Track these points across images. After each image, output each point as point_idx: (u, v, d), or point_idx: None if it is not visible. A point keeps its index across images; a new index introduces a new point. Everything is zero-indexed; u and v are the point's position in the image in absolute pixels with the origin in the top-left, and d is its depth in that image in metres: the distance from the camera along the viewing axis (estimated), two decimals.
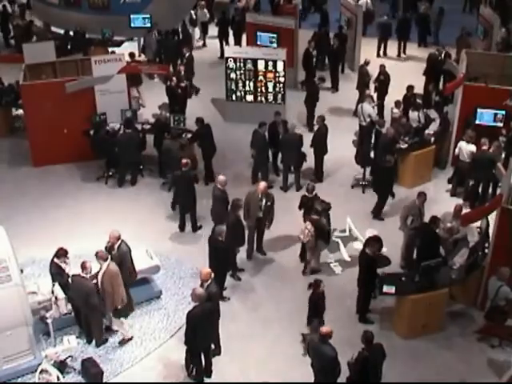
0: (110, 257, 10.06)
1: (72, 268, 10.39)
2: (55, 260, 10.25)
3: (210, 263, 10.86)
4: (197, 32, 23.40)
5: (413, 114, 15.47)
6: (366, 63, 18.05)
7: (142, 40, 20.93)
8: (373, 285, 10.69)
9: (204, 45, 23.48)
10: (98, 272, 10.00)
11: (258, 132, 14.45)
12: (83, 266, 9.92)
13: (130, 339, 10.42)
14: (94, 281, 9.99)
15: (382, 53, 22.50)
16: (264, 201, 12.06)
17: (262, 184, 12.27)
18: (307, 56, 19.35)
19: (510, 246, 10.40)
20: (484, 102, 14.36)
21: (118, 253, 10.44)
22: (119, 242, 10.53)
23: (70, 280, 10.11)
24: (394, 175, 14.19)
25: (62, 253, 10.27)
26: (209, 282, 9.71)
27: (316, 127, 15.18)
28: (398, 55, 22.58)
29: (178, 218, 13.22)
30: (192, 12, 22.95)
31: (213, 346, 9.94)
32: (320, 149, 14.71)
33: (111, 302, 10.01)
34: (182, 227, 13.22)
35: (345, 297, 11.45)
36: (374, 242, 10.90)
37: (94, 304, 9.90)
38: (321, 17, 23.98)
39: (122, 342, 10.38)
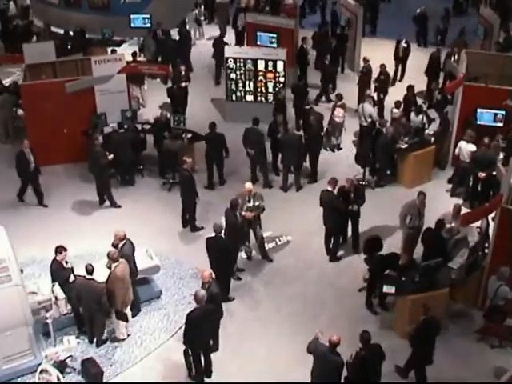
0: (119, 259, 10.00)
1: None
2: (57, 257, 10.22)
3: (212, 267, 10.59)
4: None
5: (417, 118, 15.32)
6: (366, 61, 18.01)
7: (140, 40, 20.92)
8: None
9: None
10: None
11: (255, 129, 14.29)
12: (88, 269, 9.93)
13: (123, 340, 10.42)
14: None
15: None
16: (252, 201, 11.93)
17: (247, 184, 12.12)
18: (301, 54, 19.14)
19: (510, 246, 10.40)
20: (484, 102, 14.36)
21: (121, 253, 10.42)
22: (123, 242, 10.52)
23: (73, 282, 10.11)
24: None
25: (60, 250, 10.23)
26: (210, 283, 9.70)
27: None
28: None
29: (178, 218, 13.21)
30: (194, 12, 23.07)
31: (211, 342, 9.88)
32: (314, 148, 14.62)
33: (113, 302, 10.05)
34: (184, 223, 13.21)
35: (344, 297, 11.47)
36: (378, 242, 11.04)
37: (105, 305, 9.93)
38: (322, 16, 24.03)
39: (114, 340, 10.39)
